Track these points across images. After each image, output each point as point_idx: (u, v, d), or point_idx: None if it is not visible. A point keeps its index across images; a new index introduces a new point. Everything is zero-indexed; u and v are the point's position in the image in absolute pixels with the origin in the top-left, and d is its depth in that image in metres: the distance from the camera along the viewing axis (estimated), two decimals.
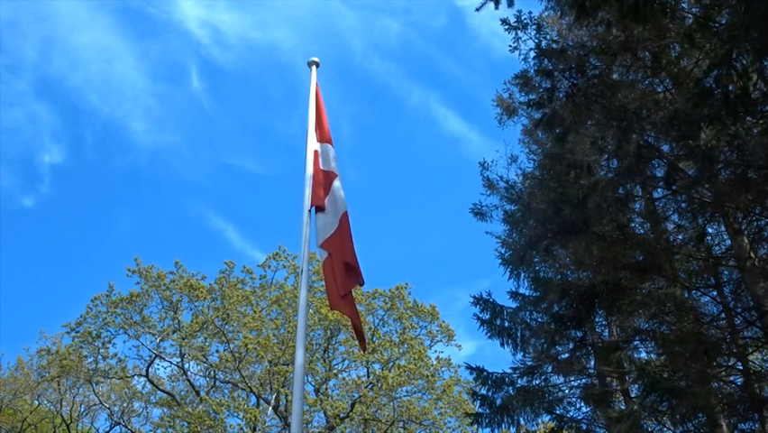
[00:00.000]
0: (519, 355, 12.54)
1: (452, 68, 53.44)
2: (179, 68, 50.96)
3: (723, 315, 10.65)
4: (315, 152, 7.53)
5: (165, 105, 52.24)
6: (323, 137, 7.74)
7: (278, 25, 53.32)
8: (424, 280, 44.45)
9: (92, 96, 51.26)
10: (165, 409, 22.45)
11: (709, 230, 11.33)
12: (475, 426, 12.74)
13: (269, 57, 51.22)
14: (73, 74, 51.01)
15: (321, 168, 7.40)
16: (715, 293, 10.76)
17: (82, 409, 25.61)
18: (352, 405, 20.62)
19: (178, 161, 51.02)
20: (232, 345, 21.13)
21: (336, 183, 7.38)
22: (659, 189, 11.23)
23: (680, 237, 11.49)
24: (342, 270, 6.72)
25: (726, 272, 10.92)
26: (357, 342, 7.81)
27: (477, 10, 8.84)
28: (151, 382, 22.94)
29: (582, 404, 12.34)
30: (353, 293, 7.39)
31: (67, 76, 51.06)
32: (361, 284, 7.10)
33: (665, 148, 10.31)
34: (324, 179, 7.33)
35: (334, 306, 6.89)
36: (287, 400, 20.43)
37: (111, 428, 24.54)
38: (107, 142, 50.14)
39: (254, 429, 20.12)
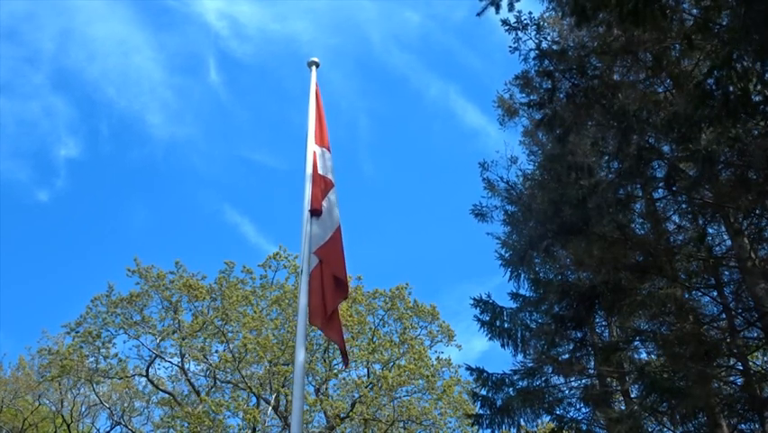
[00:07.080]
0: (520, 357, 12.57)
1: (472, 60, 53.14)
2: (197, 60, 50.57)
3: (723, 315, 10.65)
4: (314, 153, 7.51)
5: (182, 98, 51.92)
6: (321, 141, 7.69)
7: (297, 17, 52.94)
8: (438, 276, 43.88)
9: (109, 88, 50.68)
10: (166, 410, 22.45)
11: (710, 230, 11.34)
12: (475, 427, 12.75)
13: (288, 49, 50.84)
14: (90, 66, 50.58)
15: (319, 172, 7.36)
16: (715, 294, 10.75)
17: (83, 410, 25.62)
18: (352, 405, 20.61)
19: (194, 154, 50.70)
20: (232, 345, 21.12)
21: (332, 196, 7.27)
22: (659, 190, 11.22)
23: (680, 238, 11.48)
24: (331, 282, 6.52)
25: (726, 273, 10.91)
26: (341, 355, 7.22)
27: (478, 15, 8.84)
28: (152, 383, 22.91)
29: (582, 405, 12.36)
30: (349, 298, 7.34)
31: (84, 68, 50.66)
32: (345, 298, 6.97)
33: (666, 149, 10.30)
34: (323, 185, 7.28)
35: (314, 321, 6.32)
36: (287, 400, 20.41)
37: (112, 428, 24.56)
38: (123, 136, 49.71)
39: (254, 430, 20.12)
